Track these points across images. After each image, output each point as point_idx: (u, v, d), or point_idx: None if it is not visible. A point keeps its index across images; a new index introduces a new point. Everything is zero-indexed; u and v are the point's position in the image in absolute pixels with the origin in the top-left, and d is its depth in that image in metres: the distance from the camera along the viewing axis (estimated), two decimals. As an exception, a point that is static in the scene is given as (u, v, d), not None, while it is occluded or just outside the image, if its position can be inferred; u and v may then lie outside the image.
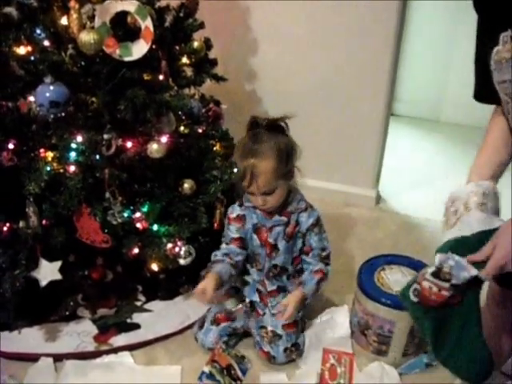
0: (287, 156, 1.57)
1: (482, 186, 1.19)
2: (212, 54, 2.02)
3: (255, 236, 1.69)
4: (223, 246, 1.75)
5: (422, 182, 2.87)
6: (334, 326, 1.80)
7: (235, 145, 1.70)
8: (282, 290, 1.75)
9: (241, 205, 1.71)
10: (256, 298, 1.78)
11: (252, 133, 1.59)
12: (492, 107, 1.27)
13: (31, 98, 1.58)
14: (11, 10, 1.55)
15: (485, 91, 1.20)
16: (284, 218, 1.65)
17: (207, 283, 1.61)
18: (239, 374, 1.64)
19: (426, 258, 1.87)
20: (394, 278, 1.71)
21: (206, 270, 1.71)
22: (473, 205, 1.16)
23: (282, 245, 1.67)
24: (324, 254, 1.72)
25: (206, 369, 1.59)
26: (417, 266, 1.77)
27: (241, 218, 1.70)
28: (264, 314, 1.75)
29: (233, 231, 1.72)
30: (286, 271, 1.73)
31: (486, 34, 1.12)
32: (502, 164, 1.24)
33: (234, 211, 1.72)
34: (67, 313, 1.83)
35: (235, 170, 1.81)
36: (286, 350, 1.68)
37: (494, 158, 1.24)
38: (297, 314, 1.73)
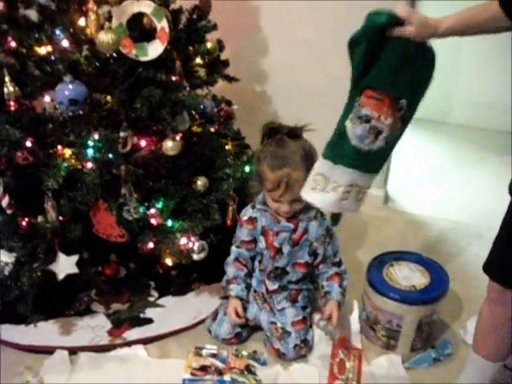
0: (312, 161, 1.47)
1: None
2: (223, 55, 2.05)
3: (262, 238, 1.72)
4: (233, 248, 1.78)
5: (429, 182, 2.90)
6: (344, 321, 1.82)
7: (257, 151, 1.65)
8: (284, 289, 1.77)
9: (253, 207, 1.73)
10: (263, 290, 1.79)
11: (276, 140, 1.58)
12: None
13: (46, 98, 1.62)
14: (31, 13, 1.59)
15: None
16: (291, 225, 1.67)
17: (236, 306, 1.72)
18: (260, 367, 1.67)
19: (433, 255, 1.91)
20: (403, 274, 1.74)
21: (224, 290, 1.81)
22: None
23: (286, 249, 1.69)
24: (336, 259, 1.75)
25: (227, 377, 1.62)
26: (424, 262, 1.80)
27: (253, 220, 1.72)
28: (272, 309, 1.78)
29: (244, 234, 1.74)
30: (287, 274, 1.74)
31: None
32: (468, 18, 1.23)
33: (247, 213, 1.74)
34: (82, 307, 1.87)
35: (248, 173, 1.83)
36: (295, 346, 1.70)
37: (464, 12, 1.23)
38: (305, 311, 1.77)
